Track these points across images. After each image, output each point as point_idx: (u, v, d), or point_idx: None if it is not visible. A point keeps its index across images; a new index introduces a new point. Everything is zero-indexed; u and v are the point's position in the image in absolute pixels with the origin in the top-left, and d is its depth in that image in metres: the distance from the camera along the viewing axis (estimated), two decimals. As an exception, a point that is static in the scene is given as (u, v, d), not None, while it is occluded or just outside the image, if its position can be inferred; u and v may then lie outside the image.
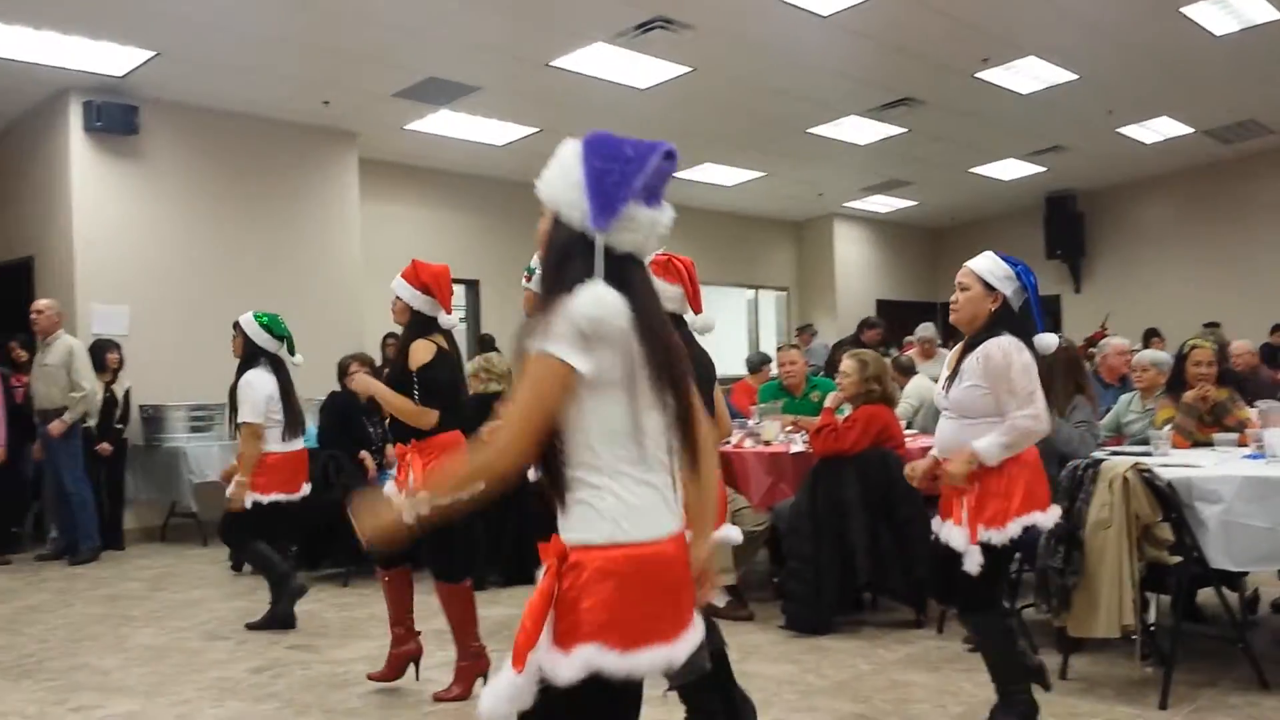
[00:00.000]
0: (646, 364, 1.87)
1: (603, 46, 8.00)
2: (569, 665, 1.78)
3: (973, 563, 3.37)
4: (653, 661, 1.82)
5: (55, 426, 7.35)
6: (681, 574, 1.92)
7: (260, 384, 5.27)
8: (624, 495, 1.84)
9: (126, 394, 8.06)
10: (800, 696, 4.14)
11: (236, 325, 5.46)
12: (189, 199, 8.96)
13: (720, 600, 5.45)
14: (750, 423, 6.33)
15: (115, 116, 8.31)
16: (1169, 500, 3.89)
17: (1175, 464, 4.16)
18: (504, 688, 1.85)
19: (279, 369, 5.39)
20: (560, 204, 1.96)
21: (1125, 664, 4.35)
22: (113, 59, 7.75)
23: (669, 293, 3.51)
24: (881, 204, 15.24)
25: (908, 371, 7.96)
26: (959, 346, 3.64)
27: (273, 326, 5.39)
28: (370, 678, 4.36)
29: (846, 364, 5.28)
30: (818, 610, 5.04)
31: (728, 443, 6.05)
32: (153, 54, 7.68)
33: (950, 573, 3.45)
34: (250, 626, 5.44)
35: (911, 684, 4.25)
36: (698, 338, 3.57)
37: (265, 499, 5.29)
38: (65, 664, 4.94)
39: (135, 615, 5.73)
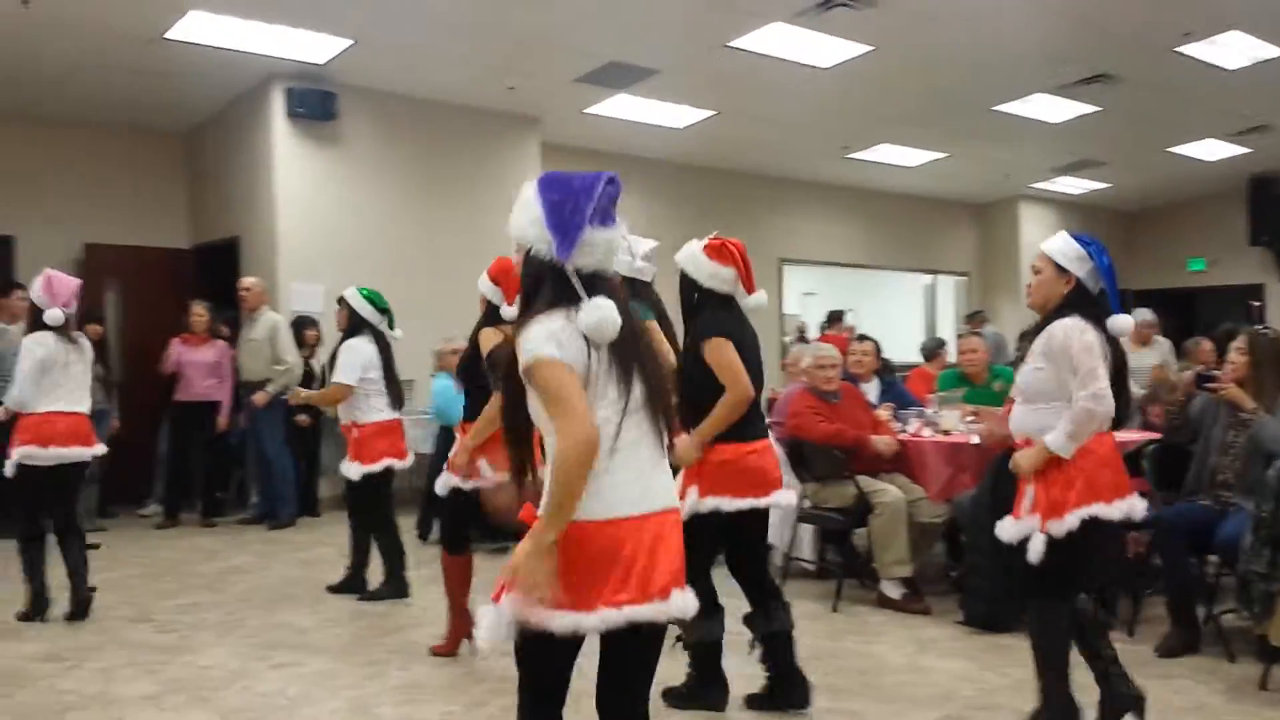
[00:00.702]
0: (612, 365, 2.20)
1: (781, 26, 7.92)
2: (502, 613, 2.18)
3: (1035, 551, 3.30)
4: (562, 624, 2.13)
5: (259, 397, 7.83)
6: (631, 550, 2.18)
7: (361, 349, 5.54)
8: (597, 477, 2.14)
9: (323, 369, 8.49)
10: (979, 694, 4.06)
11: (341, 300, 5.74)
12: (380, 182, 9.36)
13: (895, 592, 5.40)
14: (928, 411, 6.20)
15: (315, 103, 8.74)
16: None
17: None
18: (488, 619, 2.23)
19: (380, 342, 5.65)
20: (528, 239, 2.27)
21: (1333, 677, 4.08)
22: (314, 47, 8.14)
23: (722, 274, 3.78)
24: (1071, 185, 14.60)
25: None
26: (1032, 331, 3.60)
27: (375, 300, 5.68)
28: (434, 651, 4.64)
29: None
30: (998, 606, 4.91)
31: (904, 431, 5.96)
32: (350, 42, 8.03)
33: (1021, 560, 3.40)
34: (363, 597, 5.75)
35: (1097, 688, 4.10)
36: (749, 317, 3.87)
37: (377, 467, 5.56)
38: (265, 622, 5.28)
39: (329, 579, 6.05)
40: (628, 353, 2.25)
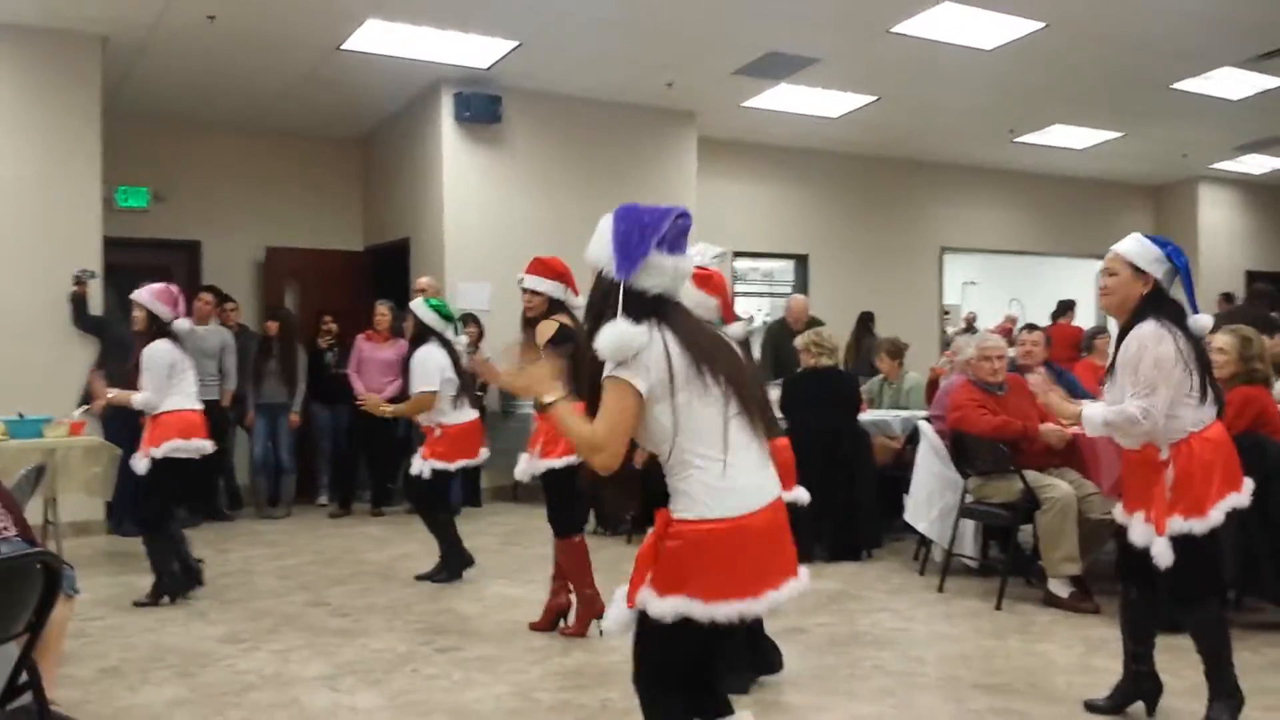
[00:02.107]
0: (697, 371, 2.40)
1: (949, 6, 7.70)
2: (663, 606, 2.36)
3: (1163, 558, 3.31)
4: (728, 612, 2.34)
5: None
6: (764, 542, 2.42)
7: (433, 356, 5.88)
8: (710, 481, 2.38)
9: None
10: (1153, 697, 3.89)
11: (409, 311, 6.08)
12: (542, 182, 9.57)
13: (1063, 590, 5.22)
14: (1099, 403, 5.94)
15: (482, 106, 9.00)
16: None
17: None
18: (619, 615, 2.50)
19: (449, 348, 5.98)
20: (600, 261, 2.53)
21: None
22: (480, 51, 8.37)
23: (706, 303, 3.86)
24: (1256, 164, 13.73)
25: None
26: (1116, 337, 3.57)
27: (441, 310, 6.05)
28: (562, 633, 4.88)
29: (1224, 340, 4.84)
30: (1171, 607, 4.68)
31: (1074, 425, 5.73)
32: (515, 44, 8.22)
33: (1148, 563, 3.40)
34: (418, 577, 6.10)
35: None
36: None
37: (452, 466, 5.97)
38: (431, 608, 5.48)
39: (491, 567, 6.24)
40: (712, 361, 2.45)
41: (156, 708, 3.96)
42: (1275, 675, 4.10)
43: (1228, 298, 12.40)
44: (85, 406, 6.45)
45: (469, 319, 8.64)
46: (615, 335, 2.36)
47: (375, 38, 7.89)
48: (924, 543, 6.22)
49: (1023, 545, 5.76)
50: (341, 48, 8.03)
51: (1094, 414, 3.49)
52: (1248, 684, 3.52)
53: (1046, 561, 5.28)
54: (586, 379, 2.48)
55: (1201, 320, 3.49)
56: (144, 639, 4.91)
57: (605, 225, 2.55)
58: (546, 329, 4.64)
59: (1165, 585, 3.43)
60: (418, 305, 6.06)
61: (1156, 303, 3.43)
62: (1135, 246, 3.49)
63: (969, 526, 6.00)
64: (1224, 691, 3.45)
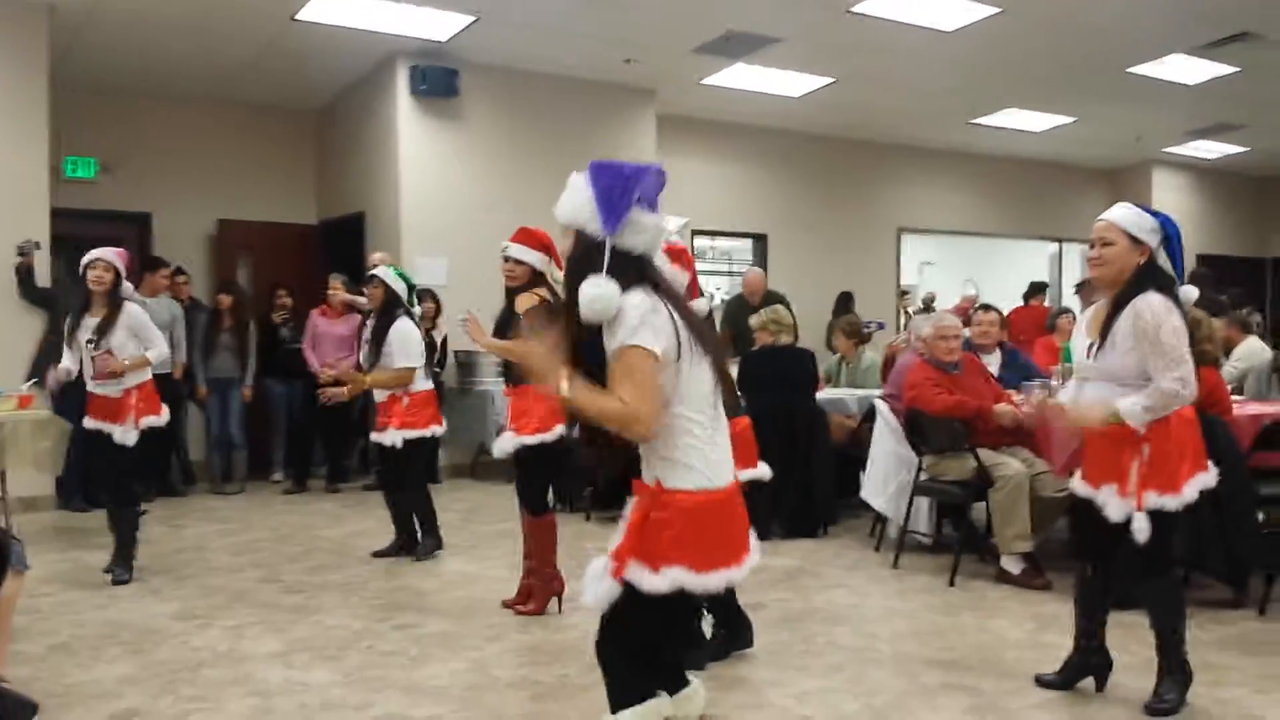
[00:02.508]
0: (692, 339, 2.36)
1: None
2: (657, 580, 2.32)
3: (1142, 532, 3.31)
4: (719, 581, 2.37)
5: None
6: (740, 509, 2.47)
7: (413, 331, 5.84)
8: (705, 450, 2.37)
9: (444, 340, 8.69)
10: (1102, 671, 3.96)
11: (374, 277, 5.91)
12: (500, 157, 9.50)
13: (1016, 567, 5.29)
14: (1053, 383, 6.01)
15: (438, 80, 8.91)
16: None
17: None
18: (606, 590, 2.38)
19: (412, 318, 5.97)
20: (579, 221, 2.41)
21: None
22: (437, 24, 8.28)
23: (679, 279, 3.78)
24: (1207, 149, 13.94)
25: (1247, 329, 7.30)
26: (1099, 308, 3.50)
27: (405, 279, 5.98)
28: (520, 612, 4.86)
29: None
30: (1124, 583, 4.76)
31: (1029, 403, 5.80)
32: (473, 18, 8.14)
33: (1112, 538, 3.44)
34: (376, 554, 6.08)
35: (1228, 667, 3.97)
36: None
37: (427, 432, 5.95)
38: (388, 585, 5.45)
39: (450, 543, 6.21)
40: (700, 329, 2.45)
41: (108, 684, 3.91)
42: (1222, 652, 4.18)
43: None
44: (34, 380, 6.33)
45: (425, 294, 8.58)
46: (593, 288, 2.30)
47: (330, 8, 7.78)
48: (879, 520, 6.29)
49: (976, 523, 5.83)
50: (296, 18, 7.91)
51: (1132, 408, 3.31)
52: (1196, 660, 3.59)
53: (999, 538, 5.34)
54: (577, 347, 2.43)
55: (1189, 291, 3.47)
56: (95, 615, 4.84)
57: (581, 181, 2.43)
58: (526, 300, 4.59)
59: (1128, 560, 3.44)
60: (389, 274, 5.92)
61: (1152, 273, 3.39)
62: (1132, 216, 3.43)
63: (923, 504, 6.06)
64: (1174, 668, 3.50)
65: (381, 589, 5.36)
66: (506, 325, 4.69)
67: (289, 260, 9.96)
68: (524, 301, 4.59)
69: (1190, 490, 3.37)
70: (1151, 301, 3.31)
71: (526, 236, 4.75)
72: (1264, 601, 4.69)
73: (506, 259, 4.72)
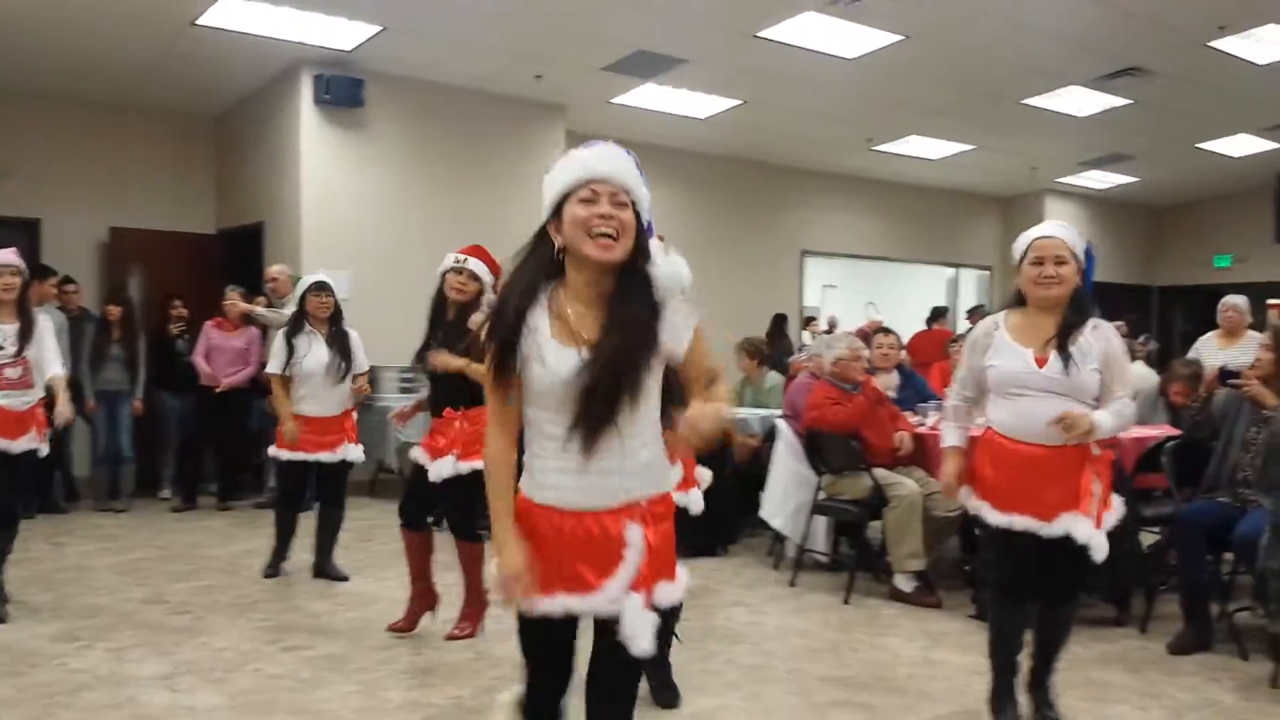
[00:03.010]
0: None
1: (812, 15, 7.86)
2: (679, 591, 2.28)
3: (1102, 550, 3.30)
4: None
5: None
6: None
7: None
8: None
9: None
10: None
11: (328, 286, 5.74)
12: (406, 169, 9.39)
13: (908, 585, 5.38)
14: (946, 405, 6.15)
15: (343, 89, 8.77)
16: None
17: None
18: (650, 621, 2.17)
19: None
20: (640, 195, 2.26)
21: (1349, 679, 4.04)
22: (343, 33, 8.16)
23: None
24: (1099, 180, 14.45)
25: (1133, 354, 7.52)
26: (1029, 323, 3.40)
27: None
28: (391, 629, 4.75)
29: None
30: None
31: (922, 424, 5.94)
32: (380, 28, 8.04)
33: (1055, 563, 3.39)
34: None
35: (1109, 684, 4.09)
36: None
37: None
38: (279, 605, 5.31)
39: (344, 564, 6.08)
40: None
41: (-24, 710, 3.74)
42: (1105, 669, 4.30)
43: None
44: None
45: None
46: (675, 268, 2.20)
47: (231, 14, 7.61)
48: (778, 539, 6.34)
49: (871, 541, 5.93)
50: (196, 23, 7.72)
51: (1105, 423, 3.26)
52: (1078, 677, 3.70)
53: (893, 557, 5.43)
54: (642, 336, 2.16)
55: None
56: (-35, 638, 4.63)
57: (626, 156, 2.28)
58: (478, 318, 4.42)
59: (1069, 583, 3.44)
60: (332, 283, 5.80)
61: (1084, 295, 3.43)
62: (1073, 235, 3.41)
63: (821, 523, 6.14)
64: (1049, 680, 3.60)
65: (272, 610, 5.22)
66: (456, 341, 4.48)
67: (184, 270, 9.68)
68: (477, 320, 4.42)
69: (1120, 506, 3.43)
70: (1103, 323, 3.39)
71: (483, 254, 4.64)
72: (1145, 620, 4.84)
73: (461, 271, 4.55)
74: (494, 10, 7.75)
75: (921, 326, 11.70)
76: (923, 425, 5.93)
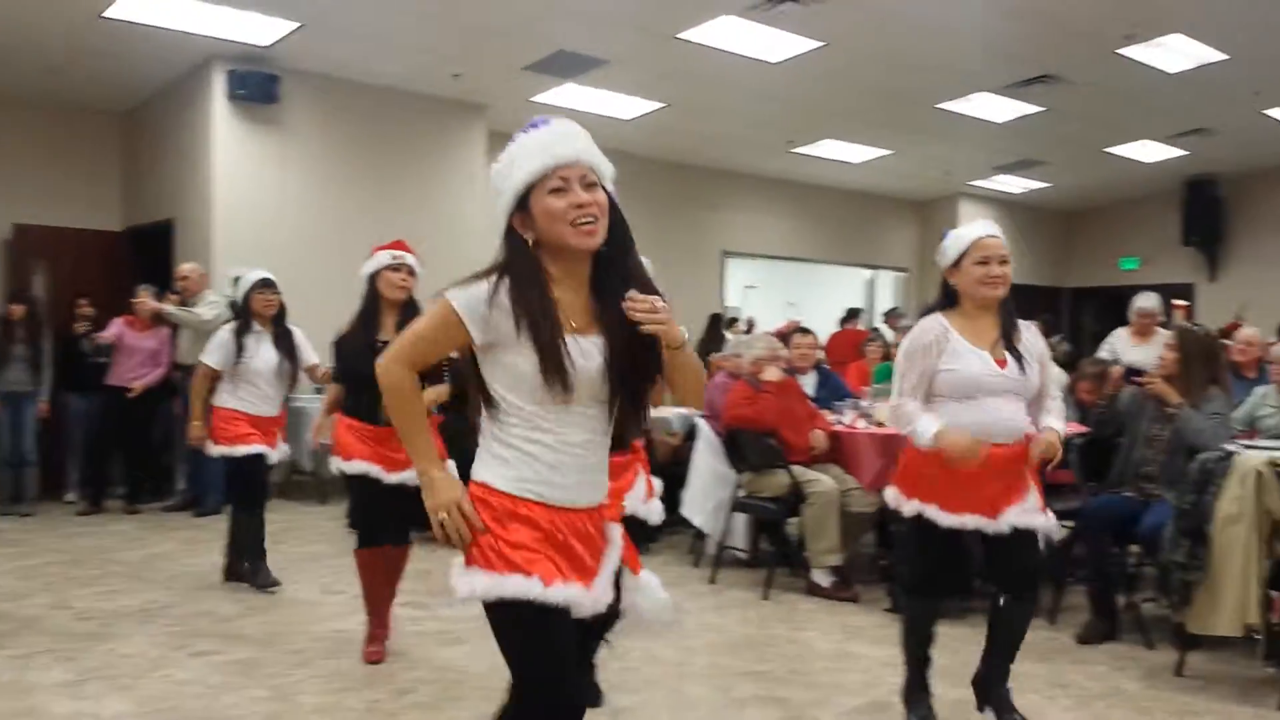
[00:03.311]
0: None
1: (732, 19, 7.91)
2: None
3: (1057, 530, 3.42)
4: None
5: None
6: None
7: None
8: None
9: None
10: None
11: (275, 285, 5.66)
12: (323, 168, 9.24)
13: (825, 580, 5.45)
14: (863, 403, 6.26)
15: (257, 86, 8.59)
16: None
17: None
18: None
19: None
20: (607, 179, 2.21)
21: (1245, 663, 4.21)
22: (258, 29, 8.00)
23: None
24: (1012, 184, 14.79)
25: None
26: (974, 322, 3.36)
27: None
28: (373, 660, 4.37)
29: None
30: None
31: (839, 422, 6.01)
32: (296, 25, 7.90)
33: (1006, 558, 3.40)
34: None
35: (1019, 674, 4.12)
36: None
37: None
38: (188, 610, 5.18)
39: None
40: None
41: None
42: (1020, 660, 4.38)
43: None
44: None
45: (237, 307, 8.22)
46: None
47: (141, 7, 7.40)
48: (699, 536, 6.37)
49: (789, 537, 5.98)
50: (104, 15, 7.49)
51: (1061, 430, 3.37)
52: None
53: (811, 552, 5.49)
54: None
55: None
56: None
57: (582, 131, 2.23)
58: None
59: (1031, 574, 3.45)
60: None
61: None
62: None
63: (740, 520, 6.18)
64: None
65: (181, 615, 5.09)
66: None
67: (91, 268, 9.41)
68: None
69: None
70: (1029, 324, 3.43)
71: (409, 250, 4.49)
72: (1054, 611, 4.96)
73: (399, 268, 4.37)
74: (414, 9, 7.67)
75: (836, 327, 11.90)
76: (840, 423, 6.00)
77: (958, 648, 4.22)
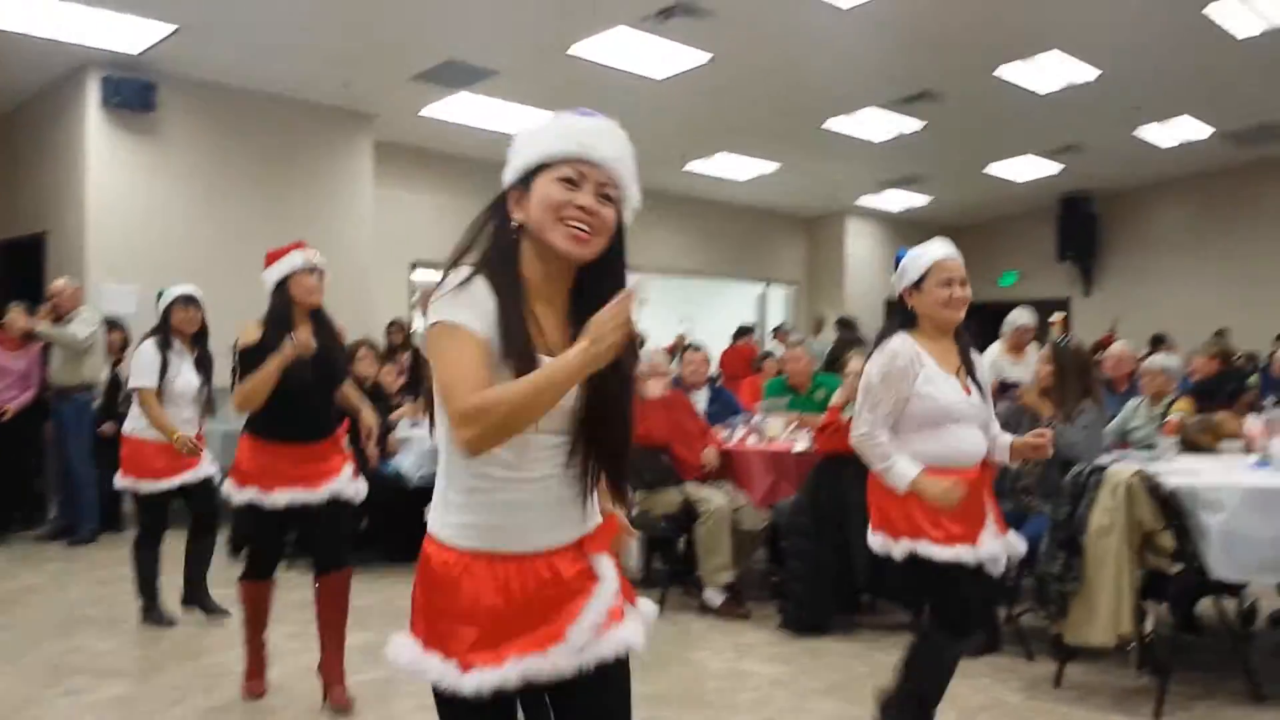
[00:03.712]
0: None
1: (625, 30, 7.95)
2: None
3: (1021, 545, 3.34)
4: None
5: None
6: None
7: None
8: None
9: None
10: (794, 697, 4.14)
11: (198, 301, 5.37)
12: (203, 177, 8.96)
13: (718, 598, 5.46)
14: (755, 419, 6.32)
15: (133, 93, 8.31)
16: (1172, 508, 3.86)
17: (1179, 471, 4.12)
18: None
19: None
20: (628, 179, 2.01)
21: (1120, 673, 4.33)
22: (132, 34, 7.75)
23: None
24: (895, 200, 15.18)
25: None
26: (938, 347, 3.25)
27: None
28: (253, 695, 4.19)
29: (856, 363, 5.24)
30: (815, 611, 5.03)
31: (731, 439, 6.05)
32: (173, 29, 7.66)
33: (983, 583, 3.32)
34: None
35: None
36: None
37: None
38: (60, 646, 4.93)
39: (131, 598, 5.71)
40: None
41: None
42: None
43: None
44: None
45: (111, 325, 7.91)
46: None
47: (9, 11, 7.11)
48: (590, 555, 6.32)
49: (681, 555, 5.99)
50: (-32, 20, 7.19)
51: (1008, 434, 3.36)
52: (876, 680, 3.79)
53: (703, 570, 5.50)
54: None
55: None
56: None
57: (627, 141, 1.97)
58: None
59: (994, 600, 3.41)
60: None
61: None
62: None
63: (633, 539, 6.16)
64: None
65: (52, 651, 4.85)
66: (335, 352, 4.20)
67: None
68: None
69: None
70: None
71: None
72: (938, 622, 5.04)
73: (313, 271, 4.08)
74: (298, 12, 7.51)
75: (729, 343, 12.10)
76: (731, 440, 6.04)
77: (848, 665, 4.27)
